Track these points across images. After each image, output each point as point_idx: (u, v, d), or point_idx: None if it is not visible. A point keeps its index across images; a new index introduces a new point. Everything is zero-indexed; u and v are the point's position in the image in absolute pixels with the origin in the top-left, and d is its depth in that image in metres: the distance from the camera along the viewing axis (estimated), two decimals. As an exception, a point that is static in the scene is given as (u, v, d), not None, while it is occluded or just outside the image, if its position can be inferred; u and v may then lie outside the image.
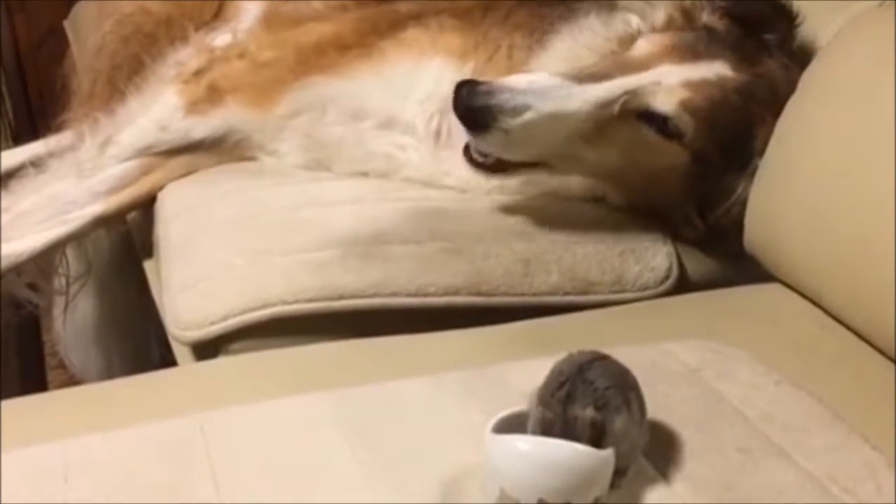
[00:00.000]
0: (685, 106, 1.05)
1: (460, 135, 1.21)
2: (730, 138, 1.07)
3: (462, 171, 1.20)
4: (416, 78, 1.25)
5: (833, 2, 1.11)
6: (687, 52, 1.07)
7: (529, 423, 0.70)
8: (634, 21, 1.17)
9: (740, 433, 0.77)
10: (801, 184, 0.98)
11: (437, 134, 1.24)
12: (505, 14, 1.29)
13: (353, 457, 0.74)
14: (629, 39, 1.15)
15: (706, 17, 1.13)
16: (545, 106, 1.03)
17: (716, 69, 1.06)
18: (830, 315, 0.96)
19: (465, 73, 1.24)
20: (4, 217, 1.24)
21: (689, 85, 1.05)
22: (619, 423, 0.68)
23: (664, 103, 1.05)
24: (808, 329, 0.95)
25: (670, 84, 1.05)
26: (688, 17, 1.14)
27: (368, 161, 1.25)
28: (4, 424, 0.76)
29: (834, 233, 0.94)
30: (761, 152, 1.05)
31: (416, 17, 1.31)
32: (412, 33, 1.28)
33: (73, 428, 0.76)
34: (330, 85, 1.26)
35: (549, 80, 1.04)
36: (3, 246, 1.21)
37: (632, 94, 1.05)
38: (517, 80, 1.04)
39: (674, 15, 1.15)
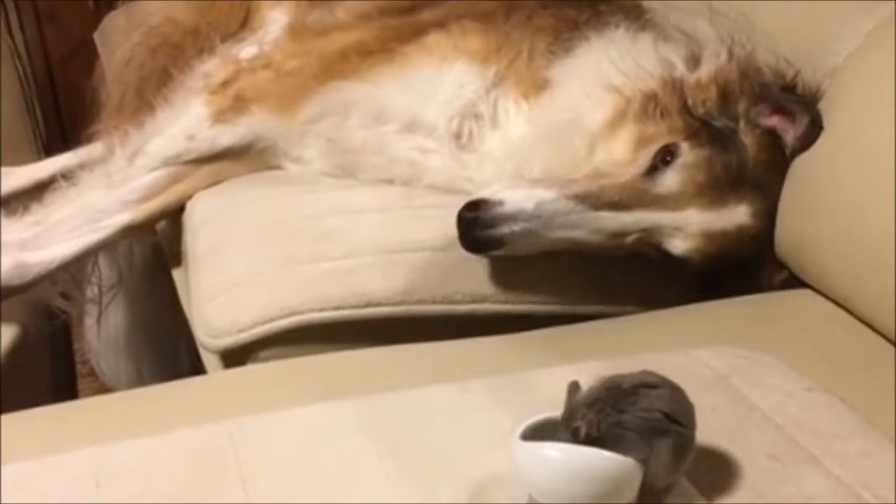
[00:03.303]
0: (698, 252, 1.03)
1: (482, 141, 1.23)
2: (735, 269, 1.06)
3: (484, 176, 1.20)
4: (439, 82, 1.24)
5: (862, 2, 1.09)
6: (714, 196, 1.02)
7: (567, 419, 0.69)
8: (679, 67, 1.12)
9: (771, 440, 0.77)
10: (831, 189, 0.97)
11: (459, 137, 1.24)
12: (527, 16, 1.28)
13: (380, 464, 0.74)
14: (670, 84, 1.09)
15: (741, 130, 1.06)
16: (553, 233, 1.00)
17: (737, 218, 1.03)
18: (861, 320, 0.95)
19: (487, 76, 1.24)
20: (37, 228, 1.25)
21: (707, 234, 1.02)
22: (658, 446, 0.68)
23: (678, 247, 1.03)
24: (838, 334, 0.94)
25: (690, 232, 1.02)
26: (724, 96, 1.08)
27: (392, 167, 1.26)
28: (38, 431, 0.77)
29: (864, 238, 0.93)
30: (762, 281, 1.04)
31: (439, 24, 1.31)
32: (434, 38, 1.29)
33: (105, 435, 0.77)
34: (352, 89, 1.26)
35: (560, 203, 0.99)
36: (36, 254, 1.23)
37: (648, 230, 1.03)
38: (525, 201, 0.99)
39: (710, 90, 1.08)
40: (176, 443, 0.76)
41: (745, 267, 1.06)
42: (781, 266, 1.06)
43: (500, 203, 0.99)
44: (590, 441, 0.67)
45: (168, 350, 1.69)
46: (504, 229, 0.99)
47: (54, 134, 2.42)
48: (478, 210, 0.99)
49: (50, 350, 1.79)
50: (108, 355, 1.69)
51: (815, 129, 1.02)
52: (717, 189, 1.03)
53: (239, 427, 0.77)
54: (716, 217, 1.03)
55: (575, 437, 0.67)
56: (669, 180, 1.03)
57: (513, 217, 0.99)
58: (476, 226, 0.99)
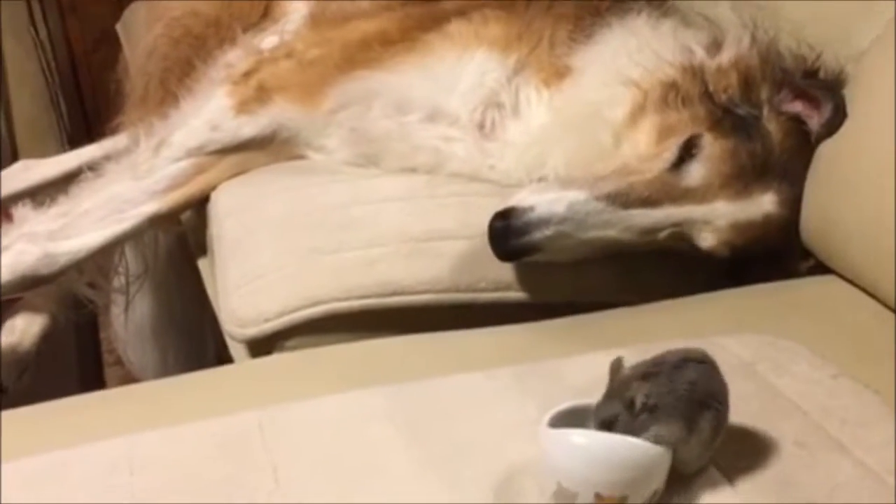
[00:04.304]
0: (726, 245, 1.03)
1: (504, 129, 1.23)
2: (761, 257, 1.06)
3: (506, 164, 1.20)
4: (461, 70, 1.24)
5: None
6: (741, 186, 1.02)
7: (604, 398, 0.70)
8: (699, 53, 1.11)
9: (798, 427, 0.77)
10: (857, 176, 0.97)
11: (482, 126, 1.24)
12: (548, 4, 1.28)
13: (408, 452, 0.75)
14: (690, 71, 1.09)
15: (765, 117, 1.06)
16: (586, 234, 1.00)
17: (764, 207, 1.03)
18: (887, 307, 0.94)
19: (509, 64, 1.24)
20: (64, 219, 1.27)
21: (736, 226, 1.02)
22: (669, 435, 0.68)
23: (706, 240, 1.03)
24: (863, 321, 0.94)
25: (719, 224, 1.02)
26: (746, 82, 1.08)
27: (415, 155, 1.26)
28: (71, 420, 0.78)
29: (890, 224, 0.92)
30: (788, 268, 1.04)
31: (461, 12, 1.31)
32: (455, 26, 1.28)
33: (138, 424, 0.78)
34: (375, 79, 1.27)
35: (591, 204, 0.99)
36: (63, 243, 1.25)
37: (679, 225, 1.02)
38: (555, 204, 0.99)
39: (731, 76, 1.08)
40: (207, 431, 0.77)
41: (771, 255, 1.06)
42: (807, 253, 1.05)
43: (531, 209, 0.99)
44: (646, 410, 0.67)
45: (194, 338, 1.70)
46: (537, 235, 0.99)
47: (78, 125, 2.44)
48: (508, 218, 0.99)
49: (76, 339, 1.82)
50: (135, 344, 1.71)
51: (839, 115, 1.02)
52: (743, 179, 1.03)
53: (268, 415, 0.78)
54: (743, 207, 1.03)
55: (629, 409, 0.68)
56: (696, 173, 1.02)
57: (545, 221, 0.99)
58: (509, 234, 0.99)
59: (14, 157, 2.37)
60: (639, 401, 0.68)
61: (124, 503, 0.69)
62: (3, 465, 0.73)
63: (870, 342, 0.90)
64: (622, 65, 1.14)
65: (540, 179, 1.15)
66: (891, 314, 0.93)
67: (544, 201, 1.00)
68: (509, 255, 1.02)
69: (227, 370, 0.99)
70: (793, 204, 1.04)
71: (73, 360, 1.82)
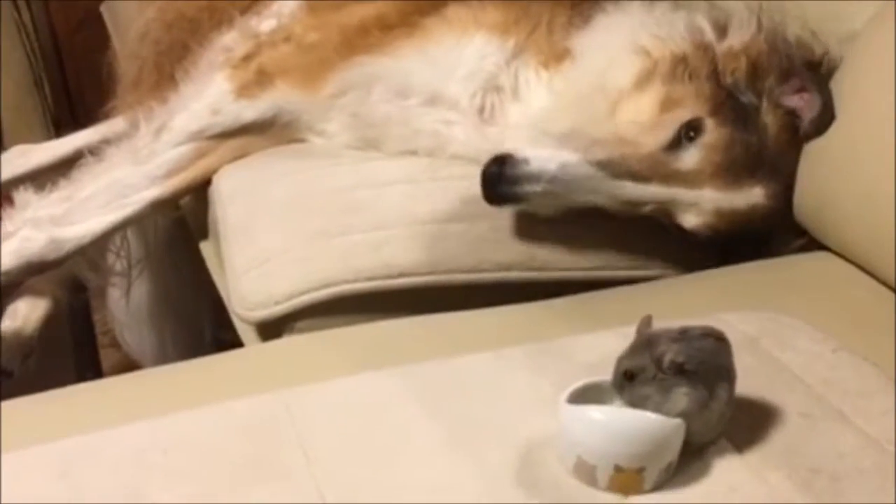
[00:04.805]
0: (709, 227, 1.06)
1: (503, 112, 1.25)
2: (750, 238, 1.08)
3: (506, 147, 1.22)
4: (460, 54, 1.26)
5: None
6: (731, 178, 1.04)
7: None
8: (709, 33, 1.12)
9: (802, 399, 0.80)
10: (850, 153, 1.00)
11: (482, 110, 1.25)
12: None
13: (431, 429, 0.78)
14: (702, 49, 1.10)
15: (763, 109, 1.08)
16: (573, 195, 1.03)
17: (752, 198, 1.05)
18: (881, 282, 0.98)
19: (507, 48, 1.25)
20: (67, 204, 1.27)
21: (720, 212, 1.05)
22: (689, 399, 0.71)
23: (690, 220, 1.06)
24: (860, 296, 0.98)
25: (704, 209, 1.05)
26: (753, 69, 1.09)
27: (415, 139, 1.27)
28: (100, 403, 0.80)
29: (883, 201, 0.96)
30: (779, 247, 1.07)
31: (458, -5, 1.32)
32: (454, 10, 1.29)
33: (166, 406, 0.80)
34: (375, 64, 1.27)
35: (583, 168, 1.02)
36: (68, 229, 1.25)
37: (663, 203, 1.05)
38: (549, 162, 1.01)
39: (740, 61, 1.09)
40: (235, 412, 0.79)
41: (760, 235, 1.09)
42: (798, 233, 1.08)
43: (525, 161, 1.01)
44: (675, 369, 0.70)
45: (191, 321, 1.72)
46: (526, 188, 1.01)
47: (62, 108, 2.43)
48: (503, 165, 1.02)
49: (70, 322, 1.82)
50: (132, 327, 1.72)
51: (827, 115, 1.04)
52: (734, 170, 1.05)
53: (293, 396, 0.81)
54: (730, 197, 1.05)
55: (658, 365, 0.71)
56: (690, 157, 1.04)
57: (536, 177, 1.01)
58: (500, 181, 1.02)
59: (-1, 140, 2.36)
60: (668, 358, 0.71)
61: (160, 483, 0.71)
62: (35, 449, 0.75)
63: (866, 316, 0.94)
64: (633, 34, 1.15)
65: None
66: (885, 289, 0.97)
67: (539, 157, 1.02)
68: (496, 200, 1.05)
69: (247, 352, 1.01)
70: (781, 196, 1.06)
71: (68, 343, 1.83)
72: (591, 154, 1.03)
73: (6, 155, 1.50)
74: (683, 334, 0.73)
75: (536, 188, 1.01)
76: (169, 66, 1.49)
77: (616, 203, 1.05)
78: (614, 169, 1.03)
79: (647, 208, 1.06)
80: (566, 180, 1.02)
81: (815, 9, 1.14)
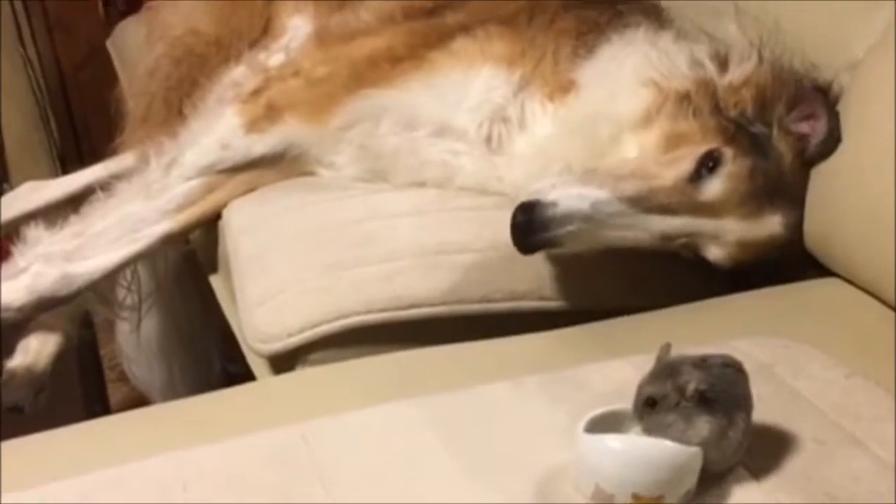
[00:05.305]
0: (731, 259, 1.07)
1: (511, 142, 1.27)
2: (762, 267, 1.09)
3: (514, 176, 1.23)
4: (467, 86, 1.27)
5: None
6: (753, 207, 1.05)
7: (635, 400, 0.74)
8: (709, 68, 1.13)
9: (816, 425, 0.81)
10: (858, 179, 1.01)
11: (489, 140, 1.27)
12: (550, 19, 1.30)
13: (450, 459, 0.78)
14: (703, 85, 1.11)
15: (775, 136, 1.09)
16: (606, 232, 1.02)
17: (771, 227, 1.07)
18: (891, 307, 0.98)
19: (513, 80, 1.26)
20: (79, 240, 1.28)
21: (742, 243, 1.06)
22: (710, 428, 0.72)
23: (713, 252, 1.07)
24: (869, 321, 0.98)
25: (727, 240, 1.06)
26: (760, 100, 1.10)
27: (424, 170, 1.29)
28: (118, 438, 0.80)
29: (892, 227, 0.97)
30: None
31: (464, 28, 1.34)
32: (461, 43, 1.31)
33: (184, 440, 0.80)
34: (383, 96, 1.29)
35: (614, 205, 1.01)
36: (80, 265, 1.26)
37: (689, 236, 1.06)
38: (579, 202, 1.00)
39: (743, 94, 1.10)
40: (253, 445, 0.79)
41: (775, 266, 1.09)
42: (808, 263, 1.09)
43: (554, 204, 1.00)
44: (697, 397, 0.71)
45: (199, 355, 1.72)
46: (559, 231, 1.00)
47: (68, 142, 2.45)
48: (531, 212, 1.00)
49: (78, 356, 1.82)
50: (141, 361, 1.73)
51: (832, 139, 1.05)
52: (756, 199, 1.06)
53: (311, 428, 0.81)
54: (752, 227, 1.06)
55: (681, 393, 0.71)
56: (714, 188, 1.05)
57: (568, 218, 1.00)
58: (531, 229, 1.00)
59: (5, 175, 2.38)
60: (692, 387, 0.71)
61: (181, 518, 0.72)
62: (55, 484, 0.76)
63: (877, 341, 0.94)
64: (640, 66, 1.16)
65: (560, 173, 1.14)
66: (893, 314, 0.98)
67: (567, 197, 1.01)
68: (531, 248, 1.03)
69: (263, 385, 1.01)
70: (798, 225, 1.07)
71: (75, 377, 1.83)
72: (619, 190, 1.03)
73: (17, 191, 1.52)
74: (704, 362, 0.73)
75: (570, 229, 1.00)
76: (178, 101, 1.51)
77: (648, 237, 1.05)
78: (644, 203, 1.03)
79: (677, 242, 1.06)
80: (599, 219, 1.01)
81: (814, 39, 1.16)
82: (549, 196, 1.01)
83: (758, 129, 1.09)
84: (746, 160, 1.06)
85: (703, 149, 1.06)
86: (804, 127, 1.09)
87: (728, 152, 1.06)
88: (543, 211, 1.00)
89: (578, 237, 1.02)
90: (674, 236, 1.06)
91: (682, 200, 1.04)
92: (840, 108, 1.06)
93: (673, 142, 1.09)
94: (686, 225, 1.05)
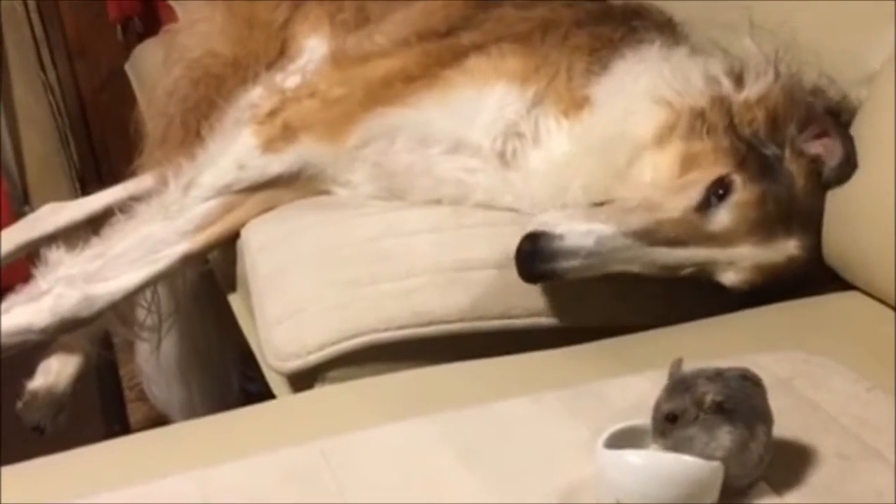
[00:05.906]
0: (748, 283, 1.06)
1: (525, 158, 1.27)
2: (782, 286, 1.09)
3: (529, 193, 1.24)
4: (481, 104, 1.27)
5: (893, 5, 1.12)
6: (766, 233, 1.05)
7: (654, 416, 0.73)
8: (725, 85, 1.12)
9: (838, 439, 0.80)
10: (877, 192, 1.01)
11: (503, 156, 1.27)
12: (563, 36, 1.30)
13: (470, 475, 0.78)
14: (718, 102, 1.10)
15: (787, 158, 1.08)
16: (610, 266, 1.03)
17: (788, 251, 1.06)
18: (910, 320, 0.98)
19: (527, 97, 1.26)
20: (99, 261, 1.29)
21: (758, 268, 1.05)
22: (732, 439, 0.72)
23: (730, 279, 1.06)
24: (889, 335, 0.97)
25: (742, 266, 1.05)
26: (772, 120, 1.09)
27: (439, 187, 1.29)
28: (141, 458, 0.81)
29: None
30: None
31: (478, 47, 1.34)
32: (474, 61, 1.32)
33: (203, 458, 0.81)
34: (397, 115, 1.30)
35: (619, 240, 1.02)
36: (101, 286, 1.27)
37: (701, 265, 1.05)
38: (585, 237, 1.01)
39: (757, 112, 1.09)
40: (274, 462, 0.79)
41: (796, 284, 1.09)
42: (832, 277, 1.08)
43: (560, 237, 1.01)
44: (715, 408, 0.71)
45: (218, 373, 1.73)
46: (564, 264, 1.01)
47: (88, 165, 2.48)
48: (537, 242, 1.01)
49: (98, 376, 1.84)
50: (160, 381, 1.74)
51: (849, 165, 1.04)
52: (768, 225, 1.05)
53: (330, 445, 0.81)
54: (766, 252, 1.05)
55: (699, 405, 0.71)
56: (723, 217, 1.04)
57: (573, 253, 1.01)
58: (536, 258, 1.01)
59: (26, 197, 2.41)
60: (709, 398, 0.71)
61: (203, 536, 0.72)
62: (78, 504, 0.76)
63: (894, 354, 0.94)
64: (653, 84, 1.16)
65: (564, 205, 1.16)
66: (914, 327, 0.97)
67: (574, 233, 1.02)
68: (534, 278, 1.05)
69: (283, 403, 1.02)
70: (815, 246, 1.07)
71: (95, 397, 1.85)
72: (624, 225, 1.03)
73: (38, 213, 1.53)
74: (720, 375, 0.73)
75: (574, 263, 1.01)
76: (196, 122, 1.52)
77: (654, 269, 1.05)
78: (650, 237, 1.03)
79: (686, 271, 1.06)
80: (604, 254, 1.02)
81: (829, 53, 1.15)
82: (557, 229, 1.02)
83: (770, 150, 1.08)
84: (757, 186, 1.05)
85: (712, 176, 1.05)
86: (817, 147, 1.08)
87: (738, 179, 1.05)
88: (549, 242, 1.01)
89: (583, 270, 1.02)
90: (682, 267, 1.05)
91: (690, 231, 1.04)
92: (856, 120, 1.06)
93: (686, 163, 1.09)
94: (695, 255, 1.04)
